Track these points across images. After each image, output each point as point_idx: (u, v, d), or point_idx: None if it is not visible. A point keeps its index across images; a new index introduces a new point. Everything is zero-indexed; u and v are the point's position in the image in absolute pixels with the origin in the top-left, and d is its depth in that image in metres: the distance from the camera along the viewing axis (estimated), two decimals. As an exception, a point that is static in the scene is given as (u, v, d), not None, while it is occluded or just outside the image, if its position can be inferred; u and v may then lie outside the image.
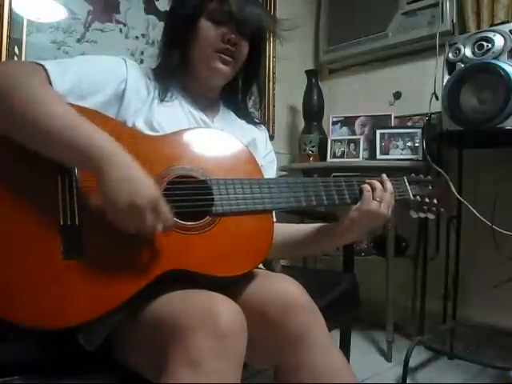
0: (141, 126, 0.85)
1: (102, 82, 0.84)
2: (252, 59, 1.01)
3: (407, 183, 0.98)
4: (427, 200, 0.99)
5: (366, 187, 0.89)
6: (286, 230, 0.99)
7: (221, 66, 0.93)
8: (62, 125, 0.68)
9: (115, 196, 0.66)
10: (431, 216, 0.99)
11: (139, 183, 0.67)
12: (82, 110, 0.73)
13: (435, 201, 0.99)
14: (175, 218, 0.75)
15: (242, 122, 1.07)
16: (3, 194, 0.68)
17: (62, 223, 0.69)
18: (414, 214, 0.99)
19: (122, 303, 0.69)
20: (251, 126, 1.08)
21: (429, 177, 1.03)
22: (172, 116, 0.90)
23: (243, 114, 1.08)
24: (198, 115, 0.96)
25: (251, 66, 1.03)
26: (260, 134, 1.08)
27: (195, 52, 0.93)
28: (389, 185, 0.91)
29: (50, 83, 0.75)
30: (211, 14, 0.91)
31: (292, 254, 1.10)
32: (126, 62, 0.90)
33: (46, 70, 0.76)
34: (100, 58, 0.91)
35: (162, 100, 0.91)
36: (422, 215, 0.99)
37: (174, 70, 0.94)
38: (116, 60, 0.90)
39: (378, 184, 0.90)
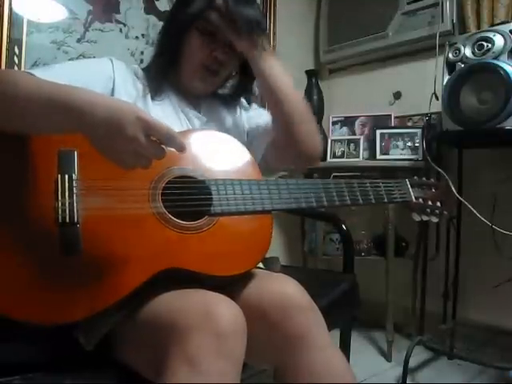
0: None
1: (89, 83, 0.83)
2: (246, 66, 1.00)
3: (409, 186, 0.98)
4: (430, 203, 0.98)
5: None
6: None
7: (199, 84, 0.96)
8: (39, 91, 0.66)
9: (103, 142, 0.64)
10: (434, 219, 0.99)
11: (116, 113, 0.63)
12: None
13: (438, 203, 0.99)
14: (173, 218, 0.75)
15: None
16: (2, 191, 0.68)
17: (60, 221, 0.69)
18: (416, 217, 0.98)
19: (120, 301, 0.69)
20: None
21: (432, 179, 1.03)
22: (164, 113, 0.92)
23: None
24: (191, 112, 0.98)
25: (245, 75, 1.04)
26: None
27: (184, 62, 0.96)
28: None
29: None
30: (204, 24, 0.92)
31: None
32: (112, 61, 0.91)
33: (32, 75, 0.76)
34: (86, 61, 0.94)
35: (153, 98, 0.93)
36: (425, 218, 0.98)
37: (165, 71, 0.97)
38: (102, 61, 0.91)
39: None
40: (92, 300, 0.68)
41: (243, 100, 1.14)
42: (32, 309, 0.65)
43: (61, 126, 0.68)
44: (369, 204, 0.92)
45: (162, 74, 0.96)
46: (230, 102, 1.09)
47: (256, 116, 1.10)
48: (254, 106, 1.15)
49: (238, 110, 1.10)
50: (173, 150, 0.81)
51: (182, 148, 0.67)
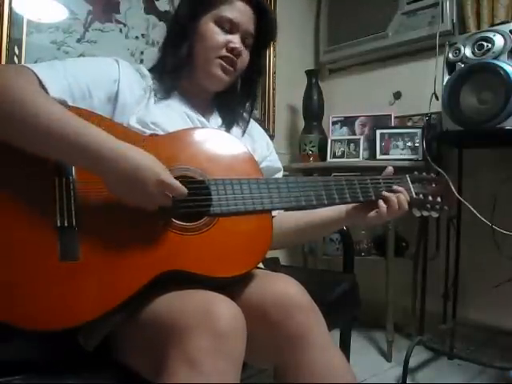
0: (135, 125, 0.84)
1: (93, 85, 0.82)
2: (252, 67, 1.00)
3: (410, 182, 0.98)
4: (430, 198, 0.98)
5: (381, 203, 0.91)
6: (293, 218, 1.01)
7: (220, 73, 0.94)
8: (61, 124, 0.67)
9: (122, 190, 0.71)
10: (435, 214, 0.98)
11: (140, 171, 0.69)
12: (78, 111, 0.73)
13: (439, 199, 0.98)
14: (174, 219, 0.75)
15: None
16: (0, 196, 0.67)
17: (59, 225, 0.69)
18: (416, 213, 0.97)
19: (120, 304, 0.69)
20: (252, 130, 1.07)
21: (432, 174, 1.02)
22: (168, 116, 0.89)
23: (241, 120, 1.05)
24: (196, 116, 0.96)
25: (251, 75, 1.03)
26: (259, 135, 1.09)
27: (198, 54, 0.94)
28: (403, 201, 0.91)
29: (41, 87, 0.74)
30: (219, 21, 0.92)
31: (296, 241, 1.16)
32: (118, 62, 0.89)
33: (35, 73, 0.74)
34: (91, 60, 0.90)
35: (158, 99, 0.90)
36: (425, 214, 0.98)
37: (175, 68, 0.94)
38: (107, 61, 0.89)
39: (394, 200, 0.90)
40: (91, 305, 0.68)
41: (258, 129, 1.11)
42: (30, 315, 0.65)
43: (79, 165, 0.71)
44: (369, 201, 0.91)
45: (170, 73, 0.93)
46: (237, 117, 1.04)
47: (263, 155, 1.06)
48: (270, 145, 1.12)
49: (245, 133, 1.05)
50: (173, 149, 0.81)
51: None
